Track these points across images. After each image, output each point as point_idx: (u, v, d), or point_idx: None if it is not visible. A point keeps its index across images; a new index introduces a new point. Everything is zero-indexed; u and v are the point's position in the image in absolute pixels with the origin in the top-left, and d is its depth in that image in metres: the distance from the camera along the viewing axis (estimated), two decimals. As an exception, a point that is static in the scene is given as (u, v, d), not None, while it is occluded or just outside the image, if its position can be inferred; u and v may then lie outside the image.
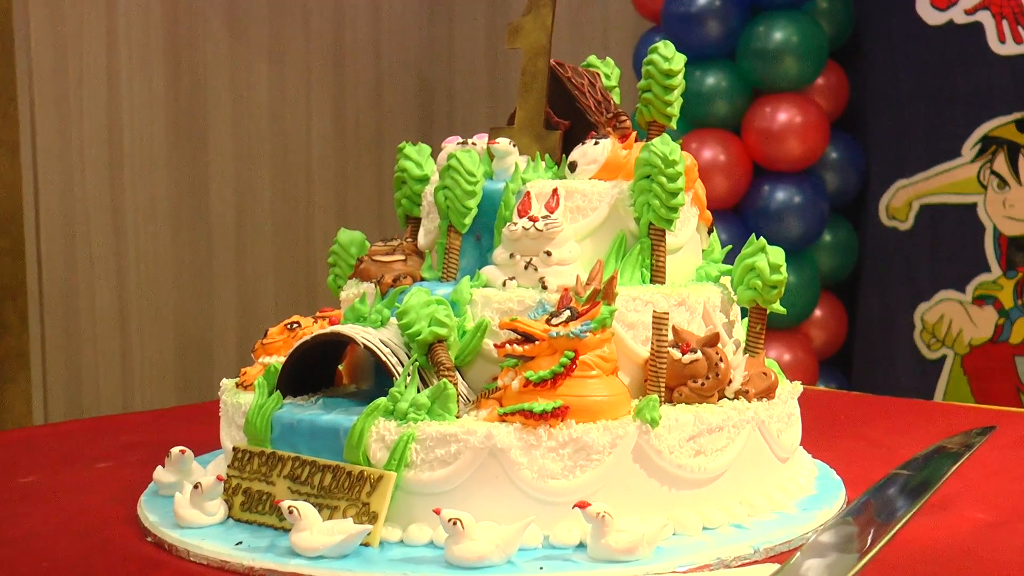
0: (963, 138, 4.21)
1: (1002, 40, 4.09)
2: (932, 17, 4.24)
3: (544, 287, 1.80)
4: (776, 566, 1.52)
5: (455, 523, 1.56)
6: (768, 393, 1.84)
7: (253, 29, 4.90)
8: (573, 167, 1.92)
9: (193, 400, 4.32)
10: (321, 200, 5.15)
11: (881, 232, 4.44)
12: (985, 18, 4.12)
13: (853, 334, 4.55)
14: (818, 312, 4.44)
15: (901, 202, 4.37)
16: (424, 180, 2.06)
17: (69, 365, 4.41)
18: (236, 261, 4.88)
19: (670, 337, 1.77)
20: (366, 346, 1.77)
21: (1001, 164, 4.13)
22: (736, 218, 4.33)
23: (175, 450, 1.90)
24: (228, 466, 1.81)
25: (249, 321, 4.87)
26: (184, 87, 4.69)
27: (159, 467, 1.92)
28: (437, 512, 1.58)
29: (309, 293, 5.04)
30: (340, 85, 5.21)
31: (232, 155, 4.85)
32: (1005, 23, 4.08)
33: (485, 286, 1.83)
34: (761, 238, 1.93)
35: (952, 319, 4.24)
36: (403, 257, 1.97)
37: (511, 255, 1.83)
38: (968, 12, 4.16)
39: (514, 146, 1.93)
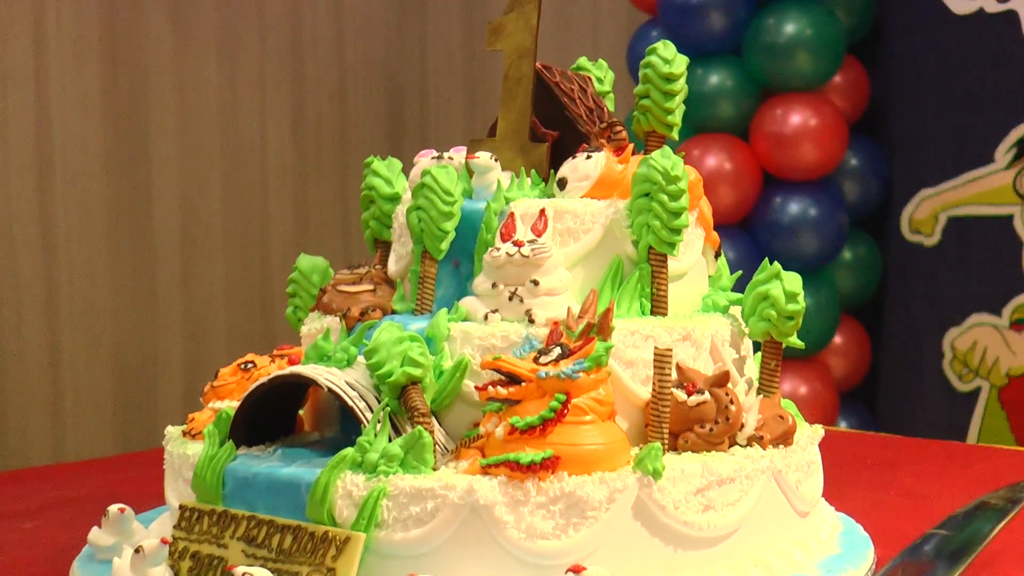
0: (996, 142, 4.22)
1: (1039, 31, 4.11)
2: (960, 6, 4.25)
3: (531, 321, 1.79)
4: (797, 638, 1.51)
5: (432, 591, 1.55)
6: (785, 439, 1.84)
7: (201, 24, 4.89)
8: (563, 184, 1.92)
9: (134, 446, 4.30)
10: (279, 216, 5.14)
11: (904, 248, 4.44)
12: (1020, 6, 4.12)
13: (877, 363, 4.55)
14: (838, 339, 4.44)
15: (926, 214, 4.38)
16: (395, 199, 2.06)
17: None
18: (182, 285, 4.86)
19: (674, 376, 1.76)
20: (330, 389, 1.76)
21: (1039, 171, 4.15)
22: (744, 233, 4.33)
23: (113, 508, 1.89)
24: (174, 526, 1.80)
25: (197, 355, 4.85)
26: (123, 89, 4.68)
27: (95, 527, 1.90)
28: (412, 579, 1.56)
29: (265, 322, 5.02)
30: (299, 86, 5.20)
31: (178, 165, 4.83)
32: (1043, 11, 4.09)
33: (464, 320, 1.83)
34: (775, 263, 1.93)
35: (987, 346, 4.24)
36: (371, 287, 1.96)
37: (493, 284, 1.82)
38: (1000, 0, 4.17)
39: (496, 160, 1.93)
